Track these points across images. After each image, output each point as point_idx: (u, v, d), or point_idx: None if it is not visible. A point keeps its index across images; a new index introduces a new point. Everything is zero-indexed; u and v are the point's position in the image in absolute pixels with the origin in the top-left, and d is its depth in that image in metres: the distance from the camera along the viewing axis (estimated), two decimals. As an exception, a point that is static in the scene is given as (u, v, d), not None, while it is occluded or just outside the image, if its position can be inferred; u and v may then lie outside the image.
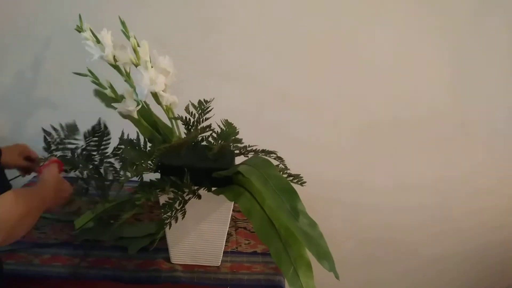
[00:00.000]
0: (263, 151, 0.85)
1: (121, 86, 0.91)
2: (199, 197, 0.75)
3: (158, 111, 0.92)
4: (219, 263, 0.91)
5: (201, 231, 0.85)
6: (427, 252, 1.62)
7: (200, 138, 0.85)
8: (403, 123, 1.36)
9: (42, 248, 0.93)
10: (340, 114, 1.34)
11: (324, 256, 0.60)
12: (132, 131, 0.93)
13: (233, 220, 1.10)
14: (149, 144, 0.88)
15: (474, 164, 1.45)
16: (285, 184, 0.64)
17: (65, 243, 0.95)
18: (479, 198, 1.51)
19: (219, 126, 0.88)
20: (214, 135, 0.86)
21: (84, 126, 1.00)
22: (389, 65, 1.28)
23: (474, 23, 1.25)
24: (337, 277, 0.60)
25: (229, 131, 0.88)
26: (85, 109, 1.19)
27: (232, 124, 0.92)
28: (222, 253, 0.90)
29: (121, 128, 0.95)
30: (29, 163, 0.95)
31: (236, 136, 0.88)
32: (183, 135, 0.88)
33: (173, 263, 0.90)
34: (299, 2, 1.18)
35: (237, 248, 0.99)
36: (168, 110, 0.86)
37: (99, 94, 0.97)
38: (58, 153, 0.97)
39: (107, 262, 0.90)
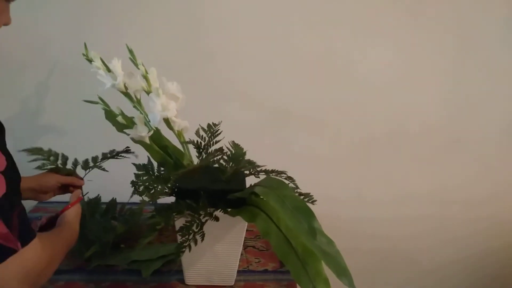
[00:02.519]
0: (273, 171, 0.87)
1: (128, 111, 0.93)
2: (217, 219, 0.77)
3: (167, 134, 0.94)
4: (233, 283, 0.92)
5: (216, 252, 0.87)
6: (426, 261, 1.65)
7: (211, 161, 0.87)
8: (400, 137, 1.41)
9: (56, 275, 0.92)
10: (339, 130, 1.38)
11: (343, 272, 0.62)
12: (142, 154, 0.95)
13: (242, 238, 1.12)
14: (161, 168, 0.90)
15: (469, 176, 1.50)
16: (301, 204, 0.67)
17: (78, 268, 0.95)
18: (474, 208, 1.56)
19: (228, 148, 0.90)
20: (225, 157, 0.88)
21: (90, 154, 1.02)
22: (386, 81, 1.33)
23: (469, 39, 1.31)
24: (356, 292, 0.62)
25: (237, 153, 0.91)
26: (93, 136, 1.21)
27: (239, 145, 0.94)
28: (236, 272, 0.91)
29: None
30: (70, 177, 0.94)
31: (244, 157, 0.90)
32: (194, 158, 0.90)
33: (188, 285, 0.91)
34: (298, 22, 1.23)
35: (248, 267, 1.01)
36: (179, 134, 0.88)
37: (109, 117, 0.98)
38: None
39: (122, 287, 0.90)
